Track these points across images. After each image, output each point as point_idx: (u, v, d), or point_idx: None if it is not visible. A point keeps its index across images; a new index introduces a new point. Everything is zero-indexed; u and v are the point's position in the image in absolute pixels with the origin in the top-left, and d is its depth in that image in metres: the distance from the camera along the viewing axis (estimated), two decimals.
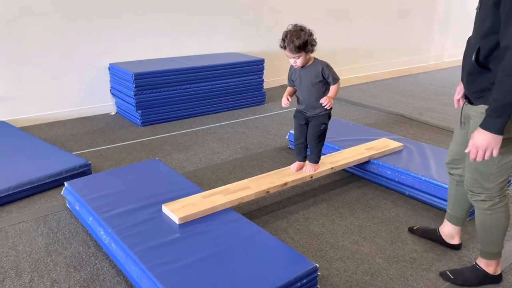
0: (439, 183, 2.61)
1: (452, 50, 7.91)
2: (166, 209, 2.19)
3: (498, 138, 1.54)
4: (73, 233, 2.31)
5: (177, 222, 2.11)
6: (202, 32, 4.82)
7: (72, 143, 3.60)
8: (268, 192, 2.46)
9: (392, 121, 4.30)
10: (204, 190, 2.44)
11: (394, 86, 5.88)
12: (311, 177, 2.65)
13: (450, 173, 2.08)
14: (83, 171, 2.92)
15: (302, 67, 2.39)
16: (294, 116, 2.59)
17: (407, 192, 2.78)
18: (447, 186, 2.56)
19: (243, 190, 2.40)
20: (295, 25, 2.33)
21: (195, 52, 4.81)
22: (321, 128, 2.52)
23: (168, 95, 4.12)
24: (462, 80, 1.81)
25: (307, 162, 2.67)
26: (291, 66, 2.46)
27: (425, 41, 7.46)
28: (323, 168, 2.71)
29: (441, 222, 2.49)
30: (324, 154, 3.01)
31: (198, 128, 4.02)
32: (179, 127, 4.04)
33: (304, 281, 1.76)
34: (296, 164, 2.67)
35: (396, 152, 3.07)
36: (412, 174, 2.73)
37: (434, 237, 2.28)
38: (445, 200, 2.60)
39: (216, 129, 4.00)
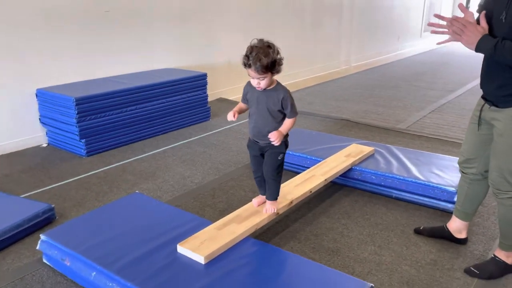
0: (426, 182, 2.72)
1: (356, 55, 8.47)
2: (183, 248, 1.95)
3: (471, 48, 1.75)
4: None
5: (203, 262, 1.88)
6: (134, 49, 4.47)
7: (12, 185, 3.06)
8: (278, 213, 2.33)
9: (340, 126, 4.43)
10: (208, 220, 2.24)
11: (323, 92, 6.09)
12: (310, 191, 2.59)
13: (463, 172, 2.17)
14: (47, 217, 2.49)
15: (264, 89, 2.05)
16: (248, 146, 2.26)
17: (394, 195, 2.86)
18: (433, 184, 2.70)
19: (254, 215, 2.24)
20: (261, 40, 1.97)
21: (129, 70, 4.44)
22: (279, 158, 2.16)
23: (113, 119, 3.73)
24: (482, 86, 1.90)
25: (266, 201, 2.30)
26: (247, 84, 2.11)
27: (335, 48, 7.88)
28: (317, 182, 2.66)
29: (434, 219, 2.61)
30: (308, 167, 2.97)
31: (153, 151, 3.70)
32: (130, 152, 3.68)
33: None
34: (259, 198, 2.34)
35: (370, 157, 3.15)
36: (397, 176, 2.82)
37: (442, 234, 2.36)
38: (433, 198, 2.73)
39: (172, 151, 3.73)
